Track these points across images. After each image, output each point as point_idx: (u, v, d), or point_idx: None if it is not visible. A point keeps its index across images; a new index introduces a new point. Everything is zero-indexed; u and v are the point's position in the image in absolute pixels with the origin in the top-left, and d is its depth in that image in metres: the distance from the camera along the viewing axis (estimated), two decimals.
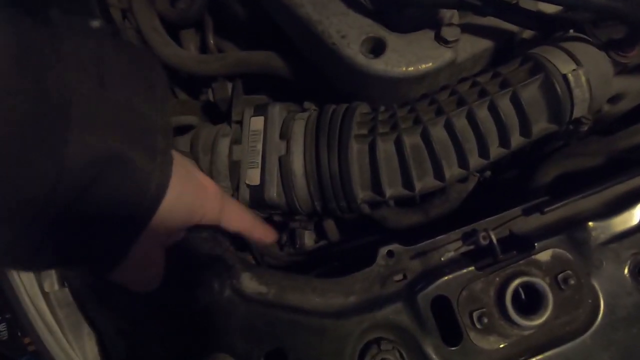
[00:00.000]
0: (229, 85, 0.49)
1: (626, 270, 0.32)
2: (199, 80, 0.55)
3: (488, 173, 0.47)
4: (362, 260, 0.39)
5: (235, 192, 0.41)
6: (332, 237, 0.54)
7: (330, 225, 0.53)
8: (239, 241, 0.39)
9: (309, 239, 0.55)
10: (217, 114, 0.54)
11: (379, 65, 0.39)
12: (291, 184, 0.39)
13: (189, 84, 0.60)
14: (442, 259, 0.33)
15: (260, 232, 0.38)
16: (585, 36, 0.39)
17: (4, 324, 0.91)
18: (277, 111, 0.42)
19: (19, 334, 0.89)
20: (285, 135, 0.40)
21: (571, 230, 0.33)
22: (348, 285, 0.35)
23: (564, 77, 0.34)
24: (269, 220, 0.46)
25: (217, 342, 0.32)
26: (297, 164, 0.39)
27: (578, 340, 0.31)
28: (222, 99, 0.48)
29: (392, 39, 0.39)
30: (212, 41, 0.56)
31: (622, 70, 0.40)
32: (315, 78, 0.49)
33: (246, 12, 0.51)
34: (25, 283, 0.35)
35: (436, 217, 0.48)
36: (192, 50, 0.57)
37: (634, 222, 0.33)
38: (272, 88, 0.54)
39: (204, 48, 0.58)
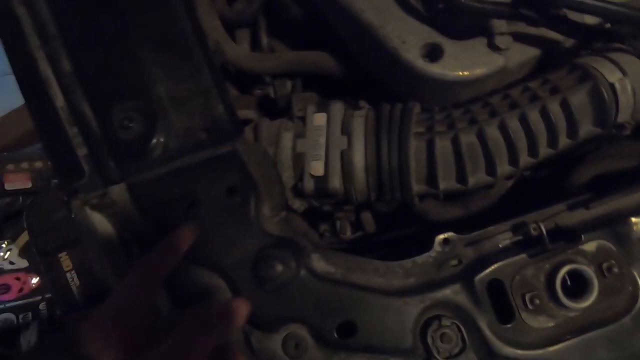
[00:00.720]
0: (289, 84, 0.52)
1: None
2: (249, 76, 0.59)
3: (527, 172, 0.50)
4: (398, 249, 0.42)
5: (299, 182, 0.44)
6: (369, 228, 0.58)
7: (367, 217, 0.57)
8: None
9: (348, 230, 0.59)
10: (269, 109, 0.58)
11: (436, 69, 0.42)
12: (352, 176, 0.43)
13: (237, 80, 0.64)
14: (500, 245, 0.36)
15: None
16: (628, 47, 0.42)
17: (43, 303, 0.96)
18: (338, 108, 0.45)
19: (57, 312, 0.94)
20: (346, 130, 0.44)
21: (614, 224, 0.36)
22: (407, 268, 0.38)
23: (611, 85, 0.38)
24: (319, 209, 0.50)
25: (293, 314, 0.36)
26: (358, 157, 0.43)
27: (618, 323, 0.35)
28: (283, 95, 0.52)
29: (449, 45, 0.43)
30: (265, 40, 0.60)
31: None
32: (364, 78, 0.53)
33: (302, 15, 0.55)
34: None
35: (476, 212, 0.51)
36: (245, 48, 0.60)
37: None
38: (320, 86, 0.57)
39: (254, 45, 0.62)
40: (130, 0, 0.40)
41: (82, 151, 0.40)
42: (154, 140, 0.39)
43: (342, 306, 0.36)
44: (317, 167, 0.43)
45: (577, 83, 0.39)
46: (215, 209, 0.37)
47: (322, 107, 0.45)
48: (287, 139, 0.46)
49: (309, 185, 0.44)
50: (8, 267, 0.97)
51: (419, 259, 0.38)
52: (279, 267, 0.36)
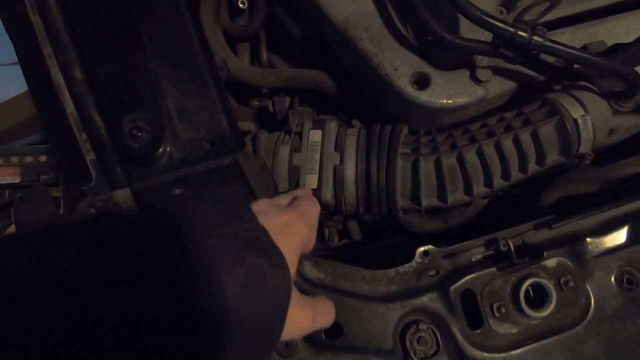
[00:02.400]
0: (287, 99, 0.56)
1: (613, 278, 0.41)
2: (248, 89, 0.62)
3: (500, 192, 0.55)
4: (382, 258, 0.46)
5: None
6: (355, 237, 0.61)
7: (354, 227, 0.61)
8: None
9: (336, 238, 0.62)
10: (267, 120, 0.61)
11: (423, 96, 0.46)
12: (343, 190, 0.47)
13: (237, 92, 0.67)
14: (473, 259, 0.41)
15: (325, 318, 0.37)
16: (591, 86, 0.47)
17: None
18: (333, 126, 0.49)
19: None
20: (339, 147, 0.48)
21: (572, 243, 0.41)
22: (390, 277, 0.42)
23: (575, 120, 0.43)
24: None
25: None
26: (350, 173, 0.47)
27: (573, 331, 0.39)
28: (281, 110, 0.55)
29: (436, 75, 0.47)
30: (265, 55, 0.63)
31: (618, 112, 0.49)
32: (358, 97, 0.57)
33: (302, 34, 0.58)
34: None
35: (454, 226, 0.56)
36: (245, 61, 0.64)
37: (622, 240, 0.42)
38: (317, 102, 0.61)
39: (254, 59, 0.65)
40: (144, 17, 0.43)
41: (90, 156, 0.43)
42: (161, 150, 0.42)
43: None
44: (311, 180, 0.47)
45: (546, 117, 0.44)
46: None
47: (318, 125, 0.49)
48: (284, 152, 0.49)
49: None
50: None
51: (401, 268, 0.42)
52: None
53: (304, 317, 0.32)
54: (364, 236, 0.62)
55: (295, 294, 0.31)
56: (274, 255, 0.28)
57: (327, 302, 0.37)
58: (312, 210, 0.38)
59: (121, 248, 0.22)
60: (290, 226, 0.33)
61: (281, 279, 0.28)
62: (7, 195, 0.98)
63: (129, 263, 0.22)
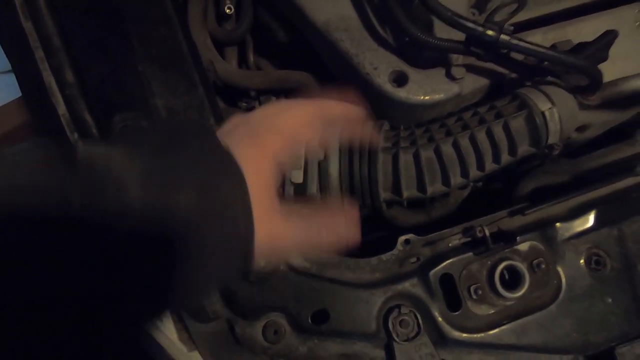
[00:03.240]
0: (274, 100, 0.58)
1: (582, 260, 0.43)
2: (236, 91, 0.64)
3: (480, 184, 0.58)
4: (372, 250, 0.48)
5: (281, 188, 0.50)
6: None
7: None
8: None
9: None
10: None
11: (402, 94, 0.49)
12: (327, 184, 0.49)
13: (225, 93, 0.69)
14: (450, 245, 0.43)
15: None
16: (559, 81, 0.50)
17: None
18: None
19: None
20: (323, 143, 0.50)
21: (544, 228, 0.44)
22: (374, 265, 0.44)
23: (542, 113, 0.46)
24: None
25: (273, 304, 0.41)
26: (333, 167, 0.49)
27: (546, 310, 0.42)
28: None
29: (413, 73, 0.50)
30: (252, 58, 0.65)
31: (588, 106, 0.52)
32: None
33: (287, 37, 0.61)
34: None
35: (437, 218, 0.58)
36: (233, 65, 0.66)
37: (589, 224, 0.44)
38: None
39: (241, 62, 0.67)
40: (134, 20, 0.45)
41: None
42: None
43: (316, 297, 0.41)
44: (297, 176, 0.49)
45: (516, 110, 0.47)
46: None
47: None
48: None
49: (290, 191, 0.49)
50: None
51: (384, 256, 0.44)
52: (262, 262, 0.41)
53: (289, 230, 0.30)
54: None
55: (270, 205, 0.29)
56: (229, 166, 0.27)
57: (339, 215, 0.33)
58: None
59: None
60: (256, 136, 0.30)
61: (237, 189, 0.26)
62: None
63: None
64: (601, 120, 0.61)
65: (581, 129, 0.61)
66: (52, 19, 0.45)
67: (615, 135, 0.62)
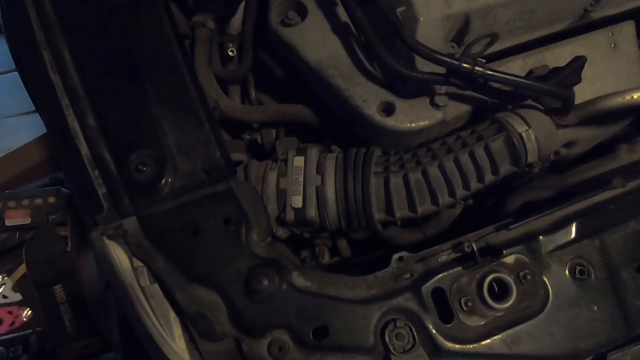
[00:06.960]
0: (273, 131, 0.63)
1: (567, 271, 0.46)
2: (239, 124, 0.70)
3: (470, 202, 0.61)
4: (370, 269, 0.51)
5: (282, 212, 0.54)
6: (345, 253, 0.67)
7: (343, 244, 0.66)
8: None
9: (326, 255, 0.67)
10: (257, 151, 0.68)
11: (390, 122, 0.54)
12: (325, 207, 0.53)
13: (230, 127, 0.74)
14: (440, 260, 0.46)
15: None
16: (536, 104, 0.54)
17: (34, 336, 0.98)
18: (314, 152, 0.55)
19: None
20: (320, 170, 0.54)
21: (528, 242, 0.47)
22: (370, 282, 0.47)
23: (520, 135, 0.50)
24: (299, 237, 0.59)
25: (277, 321, 0.44)
26: (330, 192, 0.53)
27: (534, 320, 0.44)
28: (268, 141, 0.62)
29: (400, 103, 0.54)
30: (253, 94, 0.71)
31: (566, 125, 0.56)
32: (336, 126, 0.64)
33: (285, 74, 0.66)
34: (130, 280, 0.46)
35: (431, 235, 0.61)
36: (236, 101, 0.71)
37: (571, 236, 0.47)
38: (301, 132, 0.68)
39: (244, 98, 0.73)
40: (147, 68, 0.51)
41: (102, 190, 0.49)
42: (163, 181, 0.49)
43: (317, 313, 0.44)
44: (296, 201, 0.53)
45: (495, 133, 0.51)
46: (213, 235, 0.46)
47: (300, 152, 0.56)
48: (272, 177, 0.55)
49: (290, 215, 0.53)
50: (1, 300, 1.00)
51: (379, 273, 0.47)
52: (266, 282, 0.44)
53: None
54: (353, 253, 0.67)
55: None
56: None
57: None
58: None
59: None
60: None
61: None
62: (17, 237, 1.04)
63: None
64: (587, 136, 0.65)
65: (568, 145, 0.65)
66: (76, 71, 0.51)
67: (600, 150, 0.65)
